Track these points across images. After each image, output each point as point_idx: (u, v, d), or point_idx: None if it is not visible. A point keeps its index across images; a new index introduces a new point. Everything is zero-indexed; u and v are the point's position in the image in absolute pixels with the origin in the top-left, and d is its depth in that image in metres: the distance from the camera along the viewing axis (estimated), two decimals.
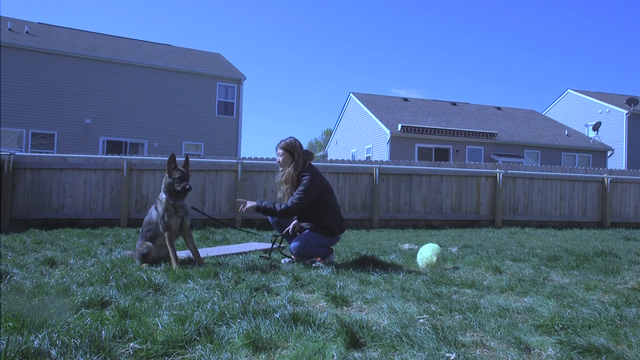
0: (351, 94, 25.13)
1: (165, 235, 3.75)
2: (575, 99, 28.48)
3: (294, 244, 4.01)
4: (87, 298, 2.60)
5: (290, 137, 4.16)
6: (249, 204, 4.00)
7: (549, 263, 4.28)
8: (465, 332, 2.23)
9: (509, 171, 9.69)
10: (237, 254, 4.46)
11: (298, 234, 4.16)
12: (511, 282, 3.34)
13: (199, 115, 20.53)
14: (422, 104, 25.71)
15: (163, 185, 3.83)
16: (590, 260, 4.30)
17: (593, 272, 3.79)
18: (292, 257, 4.17)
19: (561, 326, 2.27)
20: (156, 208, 3.87)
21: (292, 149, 4.08)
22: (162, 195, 3.83)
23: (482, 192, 9.55)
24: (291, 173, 4.02)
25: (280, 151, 4.11)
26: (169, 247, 3.74)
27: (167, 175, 3.80)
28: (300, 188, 3.95)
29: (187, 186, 3.72)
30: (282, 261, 4.13)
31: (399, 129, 19.84)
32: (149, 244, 3.82)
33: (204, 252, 4.43)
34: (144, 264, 3.77)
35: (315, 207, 4.04)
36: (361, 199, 9.07)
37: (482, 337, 2.16)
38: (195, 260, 3.85)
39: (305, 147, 4.75)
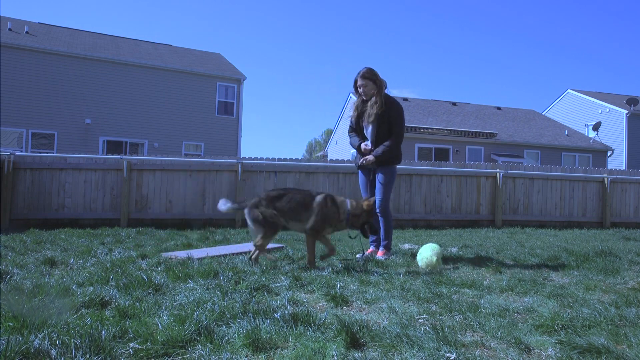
0: (351, 94, 25.10)
1: None
2: (575, 99, 28.49)
3: (377, 201, 4.42)
4: (87, 298, 2.60)
5: (366, 67, 4.41)
6: (370, 157, 4.42)
7: (549, 263, 4.28)
8: (465, 332, 2.23)
9: (509, 171, 9.68)
10: (237, 254, 4.46)
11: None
12: (511, 282, 3.34)
13: (199, 115, 20.53)
14: (422, 104, 25.71)
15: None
16: (590, 260, 4.30)
17: (593, 272, 3.79)
18: (363, 252, 4.44)
19: (561, 326, 2.26)
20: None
21: (374, 76, 4.35)
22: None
23: (482, 192, 9.55)
24: (380, 101, 4.34)
25: (363, 81, 4.35)
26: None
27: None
28: (399, 121, 4.39)
29: None
30: (357, 256, 4.42)
31: None
32: None
33: (203, 252, 4.43)
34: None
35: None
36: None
37: (482, 337, 2.16)
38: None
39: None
